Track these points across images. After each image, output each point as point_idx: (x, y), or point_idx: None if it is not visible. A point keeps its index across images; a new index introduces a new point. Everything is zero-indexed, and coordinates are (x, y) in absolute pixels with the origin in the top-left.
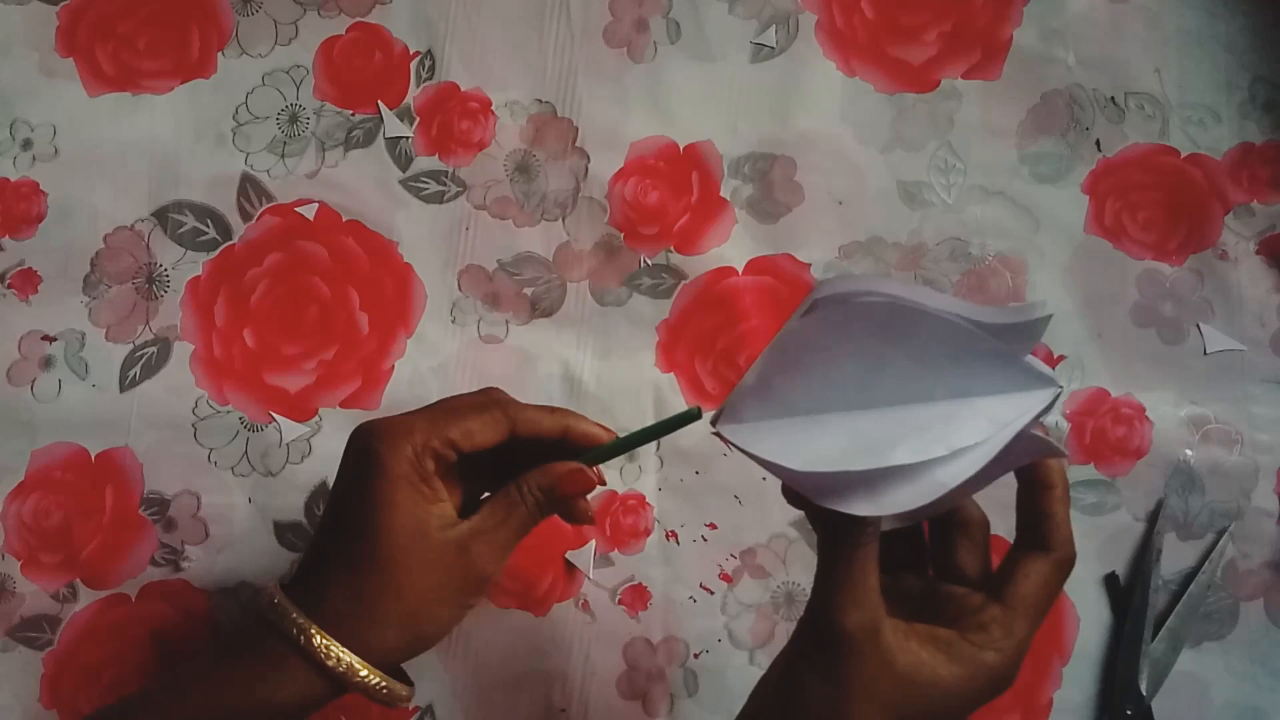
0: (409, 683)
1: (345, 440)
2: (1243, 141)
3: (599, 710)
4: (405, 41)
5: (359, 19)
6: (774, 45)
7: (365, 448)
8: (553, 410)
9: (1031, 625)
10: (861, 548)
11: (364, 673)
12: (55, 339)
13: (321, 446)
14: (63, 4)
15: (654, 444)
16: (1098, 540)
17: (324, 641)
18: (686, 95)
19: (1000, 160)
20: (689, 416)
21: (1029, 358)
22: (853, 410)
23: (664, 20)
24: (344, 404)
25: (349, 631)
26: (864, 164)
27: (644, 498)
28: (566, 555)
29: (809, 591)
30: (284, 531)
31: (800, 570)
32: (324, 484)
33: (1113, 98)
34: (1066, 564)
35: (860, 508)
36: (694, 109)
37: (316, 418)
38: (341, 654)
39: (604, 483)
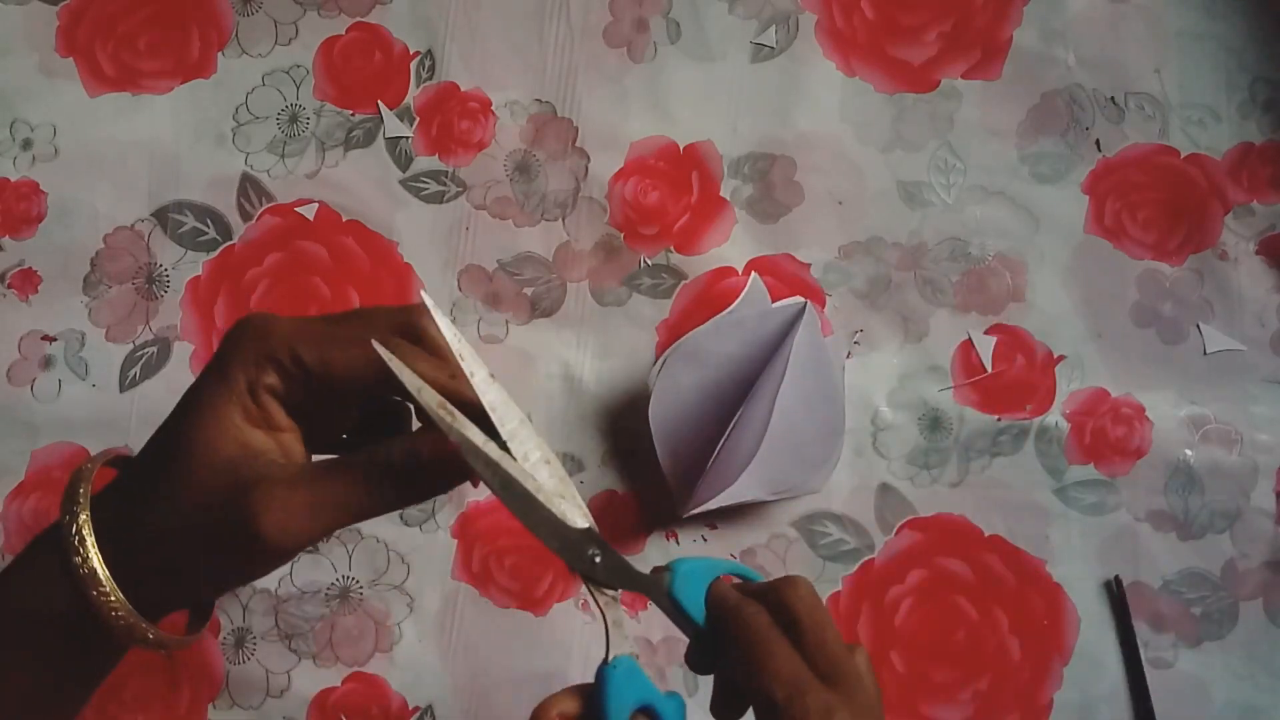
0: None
1: None
2: (1243, 141)
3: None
4: (405, 41)
5: (359, 19)
6: (774, 45)
7: (239, 325)
8: (450, 369)
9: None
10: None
11: (106, 587)
12: (55, 339)
13: None
14: (63, 4)
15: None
16: (1097, 540)
17: (85, 532)
18: (686, 95)
19: (1000, 160)
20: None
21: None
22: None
23: (664, 20)
24: None
25: (114, 518)
26: (864, 164)
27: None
28: None
29: None
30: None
31: (800, 570)
32: None
33: (1113, 98)
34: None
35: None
36: (694, 109)
37: None
38: (94, 552)
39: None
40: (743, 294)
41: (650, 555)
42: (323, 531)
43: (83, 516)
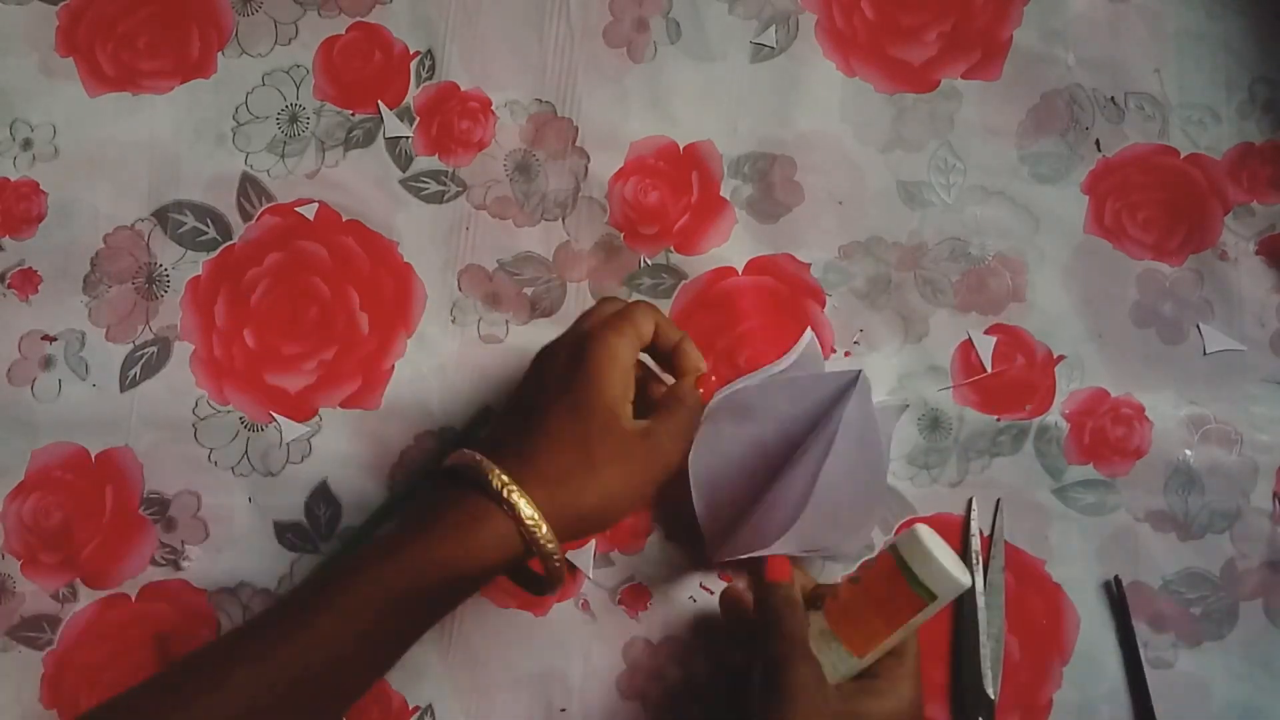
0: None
1: (345, 440)
2: (1243, 141)
3: (599, 710)
4: (405, 41)
5: (359, 19)
6: (774, 45)
7: (588, 345)
8: (677, 328)
9: (913, 658)
10: (791, 612)
11: (548, 539)
12: (55, 339)
13: (321, 447)
14: (63, 4)
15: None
16: (1097, 540)
17: (521, 498)
18: (686, 95)
19: (1000, 160)
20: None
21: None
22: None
23: (664, 20)
24: (344, 404)
25: (545, 498)
26: (864, 164)
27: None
28: (566, 555)
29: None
30: (284, 531)
31: (800, 570)
32: (324, 484)
33: (1113, 98)
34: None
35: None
36: (694, 109)
37: (317, 418)
38: (536, 513)
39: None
40: (798, 351)
41: (650, 554)
42: (681, 455)
43: (515, 491)
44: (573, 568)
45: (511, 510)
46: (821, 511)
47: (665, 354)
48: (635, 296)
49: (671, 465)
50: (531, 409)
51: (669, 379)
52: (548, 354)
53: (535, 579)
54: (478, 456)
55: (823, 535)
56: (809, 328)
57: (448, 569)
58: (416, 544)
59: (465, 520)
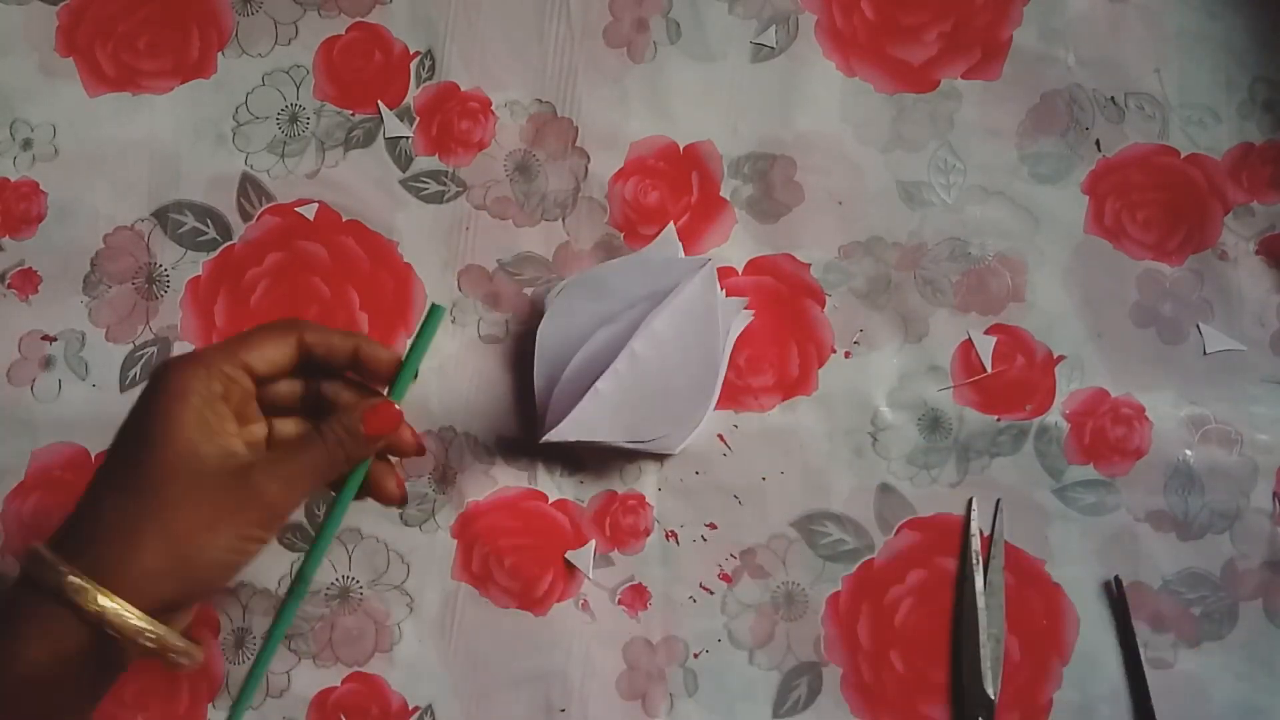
0: (196, 641)
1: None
2: (1243, 141)
3: (599, 710)
4: (405, 41)
5: (359, 19)
6: (774, 45)
7: (157, 373)
8: (345, 332)
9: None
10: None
11: (126, 616)
12: (55, 339)
13: None
14: (63, 4)
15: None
16: (1097, 540)
17: (81, 583)
18: (686, 95)
19: (1000, 160)
20: (436, 314)
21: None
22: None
23: (664, 20)
24: None
25: (112, 566)
26: (864, 164)
27: (644, 498)
28: (566, 555)
29: (809, 591)
30: (284, 531)
31: (800, 570)
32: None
33: (1113, 98)
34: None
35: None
36: (694, 109)
37: None
38: (101, 596)
39: (421, 450)
40: (657, 239)
41: (650, 554)
42: (305, 496)
43: (76, 578)
44: (571, 567)
45: (54, 594)
46: (647, 391)
47: (349, 366)
48: None
49: (279, 510)
50: (102, 473)
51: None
52: (127, 416)
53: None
54: (35, 549)
55: (649, 422)
56: (671, 222)
57: None
58: None
59: (14, 624)
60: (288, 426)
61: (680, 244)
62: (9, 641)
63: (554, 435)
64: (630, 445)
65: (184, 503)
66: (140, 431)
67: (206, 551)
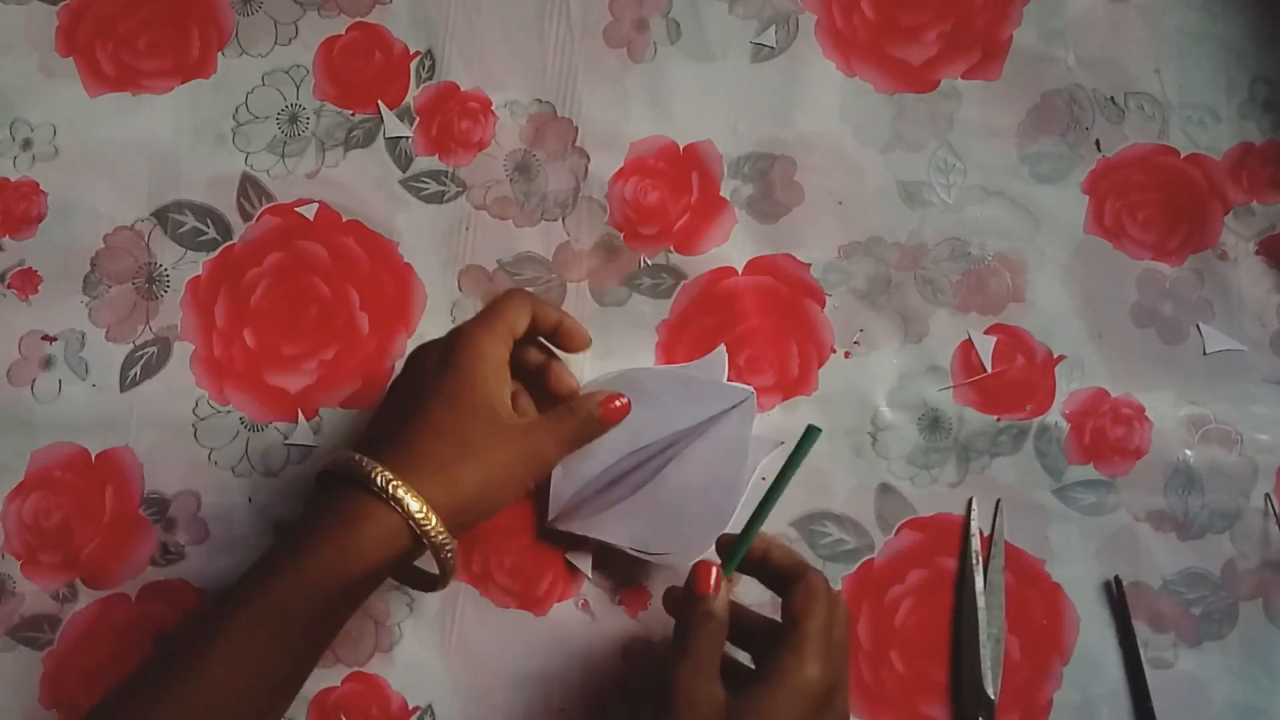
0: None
1: (346, 441)
2: (1243, 141)
3: (599, 710)
4: (405, 41)
5: (359, 19)
6: (774, 45)
7: (459, 334)
8: (553, 305)
9: (813, 645)
10: (702, 627)
11: (442, 536)
12: (55, 339)
13: (322, 446)
14: (63, 4)
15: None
16: (1097, 541)
17: (407, 493)
18: (686, 95)
19: (1000, 160)
20: (811, 437)
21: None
22: (632, 469)
23: (664, 20)
24: (344, 404)
25: (428, 488)
26: (864, 164)
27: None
28: (566, 555)
29: None
30: (284, 531)
31: None
32: None
33: (1113, 98)
34: (813, 583)
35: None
36: (694, 109)
37: (317, 418)
38: (423, 506)
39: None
40: (706, 357)
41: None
42: (563, 457)
43: (403, 487)
44: (573, 568)
45: (398, 505)
46: (662, 507)
47: (550, 336)
48: (635, 297)
49: (548, 463)
50: (406, 406)
51: (571, 374)
52: (420, 355)
53: (424, 576)
54: (355, 455)
55: (659, 537)
56: (723, 344)
57: (333, 574)
58: (301, 554)
59: (346, 521)
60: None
61: (726, 368)
62: (351, 543)
63: (563, 525)
64: (633, 552)
65: (489, 450)
66: (450, 384)
67: (501, 491)
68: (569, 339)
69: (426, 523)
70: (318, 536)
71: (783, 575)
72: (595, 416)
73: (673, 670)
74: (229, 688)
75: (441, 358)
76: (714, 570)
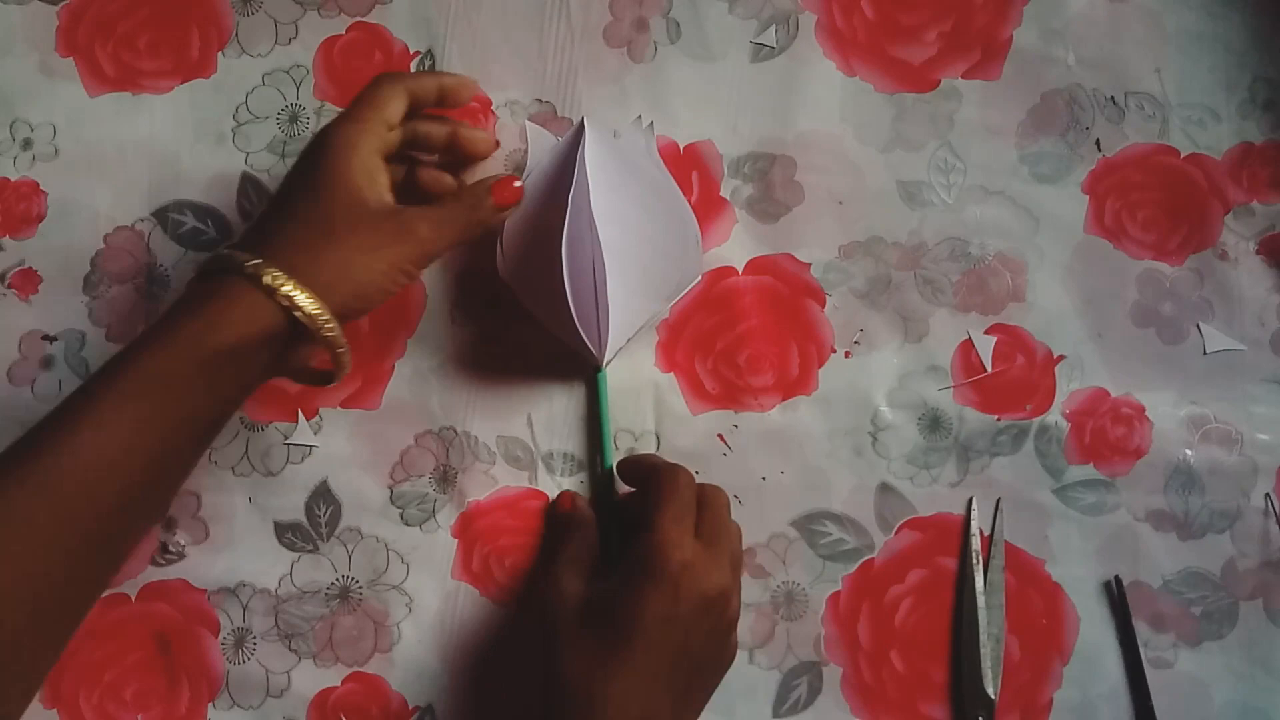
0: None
1: (345, 440)
2: (1243, 141)
3: None
4: (405, 41)
5: (359, 19)
6: (774, 45)
7: (327, 130)
8: (433, 73)
9: (665, 535)
10: (567, 532)
11: (311, 305)
12: (55, 339)
13: (322, 446)
14: (63, 4)
15: (655, 444)
16: (1097, 540)
17: (274, 274)
18: (686, 95)
19: (1000, 160)
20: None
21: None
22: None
23: (664, 20)
24: (344, 404)
25: (295, 275)
26: (864, 164)
27: (582, 495)
28: None
29: (809, 591)
30: (284, 531)
31: (800, 570)
32: (324, 484)
33: (1113, 98)
34: (663, 477)
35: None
36: (694, 109)
37: (317, 418)
38: (290, 285)
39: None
40: (528, 149)
41: None
42: (448, 245)
43: (275, 271)
44: None
45: (258, 280)
46: (632, 247)
47: (436, 104)
48: None
49: (427, 249)
50: (273, 206)
51: (444, 176)
52: (295, 165)
53: (319, 373)
54: (223, 250)
55: (664, 274)
56: (526, 120)
57: (201, 342)
58: (168, 327)
59: (214, 297)
60: (396, 173)
61: (546, 133)
62: (214, 316)
63: (611, 353)
64: (669, 303)
65: (353, 233)
66: (315, 178)
67: (369, 273)
68: (450, 96)
69: (294, 293)
70: (185, 312)
71: (651, 477)
72: (485, 201)
73: (548, 570)
74: (100, 458)
75: (307, 156)
76: (568, 497)
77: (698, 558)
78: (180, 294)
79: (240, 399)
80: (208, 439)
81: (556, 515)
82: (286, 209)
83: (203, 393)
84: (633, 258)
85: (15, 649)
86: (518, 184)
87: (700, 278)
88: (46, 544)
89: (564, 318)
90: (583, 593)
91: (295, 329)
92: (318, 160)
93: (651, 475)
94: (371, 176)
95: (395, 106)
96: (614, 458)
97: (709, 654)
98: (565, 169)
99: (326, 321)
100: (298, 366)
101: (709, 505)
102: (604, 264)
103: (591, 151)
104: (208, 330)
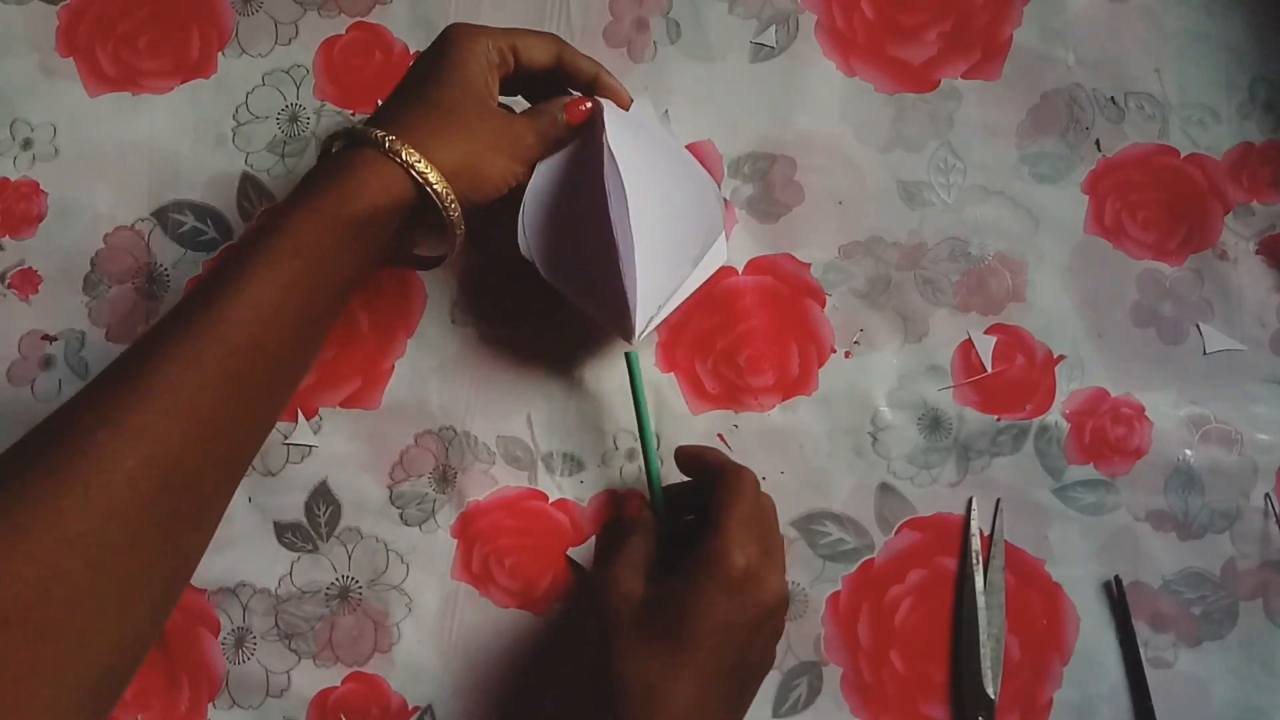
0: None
1: (345, 440)
2: (1243, 141)
3: (598, 710)
4: (405, 41)
5: (359, 19)
6: (774, 45)
7: (451, 32)
8: (590, 60)
9: (733, 536)
10: (628, 534)
11: (437, 180)
12: (55, 339)
13: (322, 446)
14: (63, 4)
15: (655, 441)
16: (1097, 540)
17: (409, 151)
18: (686, 95)
19: (1000, 160)
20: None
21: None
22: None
23: (664, 20)
24: (344, 404)
25: (422, 149)
26: (864, 164)
27: (645, 497)
28: (568, 553)
29: (809, 590)
30: (284, 531)
31: (800, 570)
32: (324, 483)
33: (1113, 98)
34: (731, 478)
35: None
36: (694, 109)
37: (317, 417)
38: (423, 162)
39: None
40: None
41: None
42: (540, 154)
43: (410, 147)
44: (573, 567)
45: (396, 155)
46: (658, 223)
47: (585, 89)
48: None
49: (530, 155)
50: (402, 91)
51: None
52: (417, 58)
53: (426, 259)
54: (355, 125)
55: (686, 239)
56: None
57: (338, 211)
58: (316, 193)
59: (350, 168)
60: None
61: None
62: (355, 186)
63: (645, 328)
64: (698, 267)
65: (477, 123)
66: (441, 69)
67: (491, 169)
68: (604, 91)
69: (427, 170)
70: (326, 180)
71: (713, 474)
72: (560, 117)
73: (606, 568)
74: (258, 316)
75: (433, 50)
76: (634, 500)
77: (761, 565)
78: (316, 165)
79: (368, 269)
80: (341, 304)
81: (620, 517)
82: (417, 94)
83: (342, 258)
84: (659, 225)
85: (196, 491)
86: (586, 106)
87: (724, 234)
88: (215, 388)
89: (602, 291)
90: (642, 593)
91: (422, 204)
92: (445, 52)
93: (717, 472)
94: (490, 82)
95: (538, 50)
96: (653, 442)
97: (763, 663)
98: (587, 147)
99: (453, 201)
100: (406, 252)
101: (764, 511)
102: (631, 235)
103: (612, 126)
104: (348, 199)
